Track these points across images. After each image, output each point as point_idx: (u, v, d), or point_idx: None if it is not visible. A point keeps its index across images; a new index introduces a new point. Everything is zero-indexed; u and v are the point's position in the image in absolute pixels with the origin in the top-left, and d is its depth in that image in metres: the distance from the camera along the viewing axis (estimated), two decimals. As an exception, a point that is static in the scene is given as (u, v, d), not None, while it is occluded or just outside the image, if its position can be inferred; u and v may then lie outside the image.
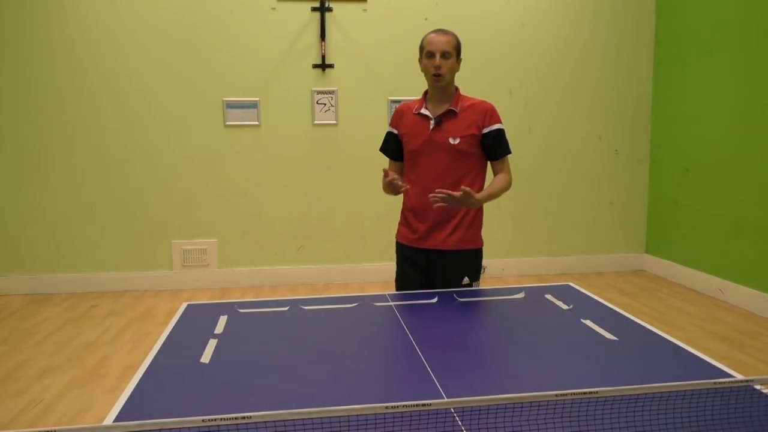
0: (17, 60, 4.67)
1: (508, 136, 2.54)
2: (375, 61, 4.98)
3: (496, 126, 2.45)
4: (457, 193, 2.21)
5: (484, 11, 5.04)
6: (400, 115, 2.55)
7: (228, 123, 4.91)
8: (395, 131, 2.55)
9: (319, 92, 4.95)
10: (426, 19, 4.96)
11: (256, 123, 4.93)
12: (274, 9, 4.85)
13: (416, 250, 2.49)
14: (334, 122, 5.00)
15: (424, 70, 2.44)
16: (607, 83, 5.26)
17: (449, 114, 2.43)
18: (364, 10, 4.93)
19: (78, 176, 4.82)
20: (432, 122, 2.43)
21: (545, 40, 5.14)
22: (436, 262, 2.46)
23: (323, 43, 4.87)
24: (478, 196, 2.33)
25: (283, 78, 4.91)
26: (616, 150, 5.34)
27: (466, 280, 2.46)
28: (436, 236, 2.44)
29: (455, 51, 2.41)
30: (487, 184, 2.49)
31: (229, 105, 4.89)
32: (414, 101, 2.55)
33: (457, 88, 2.50)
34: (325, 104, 4.96)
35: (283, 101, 4.93)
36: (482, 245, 2.55)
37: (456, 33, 2.46)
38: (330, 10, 4.87)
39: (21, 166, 4.77)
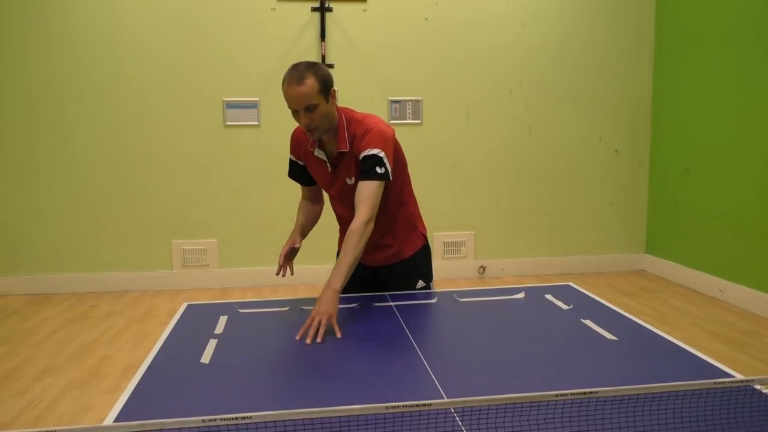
0: (17, 60, 4.68)
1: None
2: (375, 61, 4.98)
3: (365, 152, 2.08)
4: (317, 321, 1.85)
5: (484, 11, 5.04)
6: (297, 143, 2.30)
7: (228, 123, 4.91)
8: (299, 161, 2.32)
9: (319, 92, 4.94)
10: (426, 19, 4.96)
11: (256, 123, 4.93)
12: (274, 9, 4.85)
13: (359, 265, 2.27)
14: (334, 122, 5.00)
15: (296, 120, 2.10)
16: (607, 83, 5.26)
17: (341, 156, 2.15)
18: (364, 10, 4.93)
19: (78, 176, 4.82)
20: (329, 166, 2.20)
21: (545, 41, 5.14)
22: (381, 276, 2.38)
23: (323, 43, 4.87)
24: (334, 291, 1.92)
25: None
26: (616, 150, 5.34)
27: (420, 283, 2.37)
28: (371, 257, 2.29)
29: (321, 95, 2.01)
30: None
31: (229, 105, 4.89)
32: None
33: (341, 117, 2.14)
34: (325, 104, 4.96)
35: (282, 101, 4.89)
36: (422, 243, 2.38)
37: (316, 69, 2.02)
38: (330, 10, 4.87)
39: (21, 166, 4.77)
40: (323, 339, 1.84)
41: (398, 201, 2.31)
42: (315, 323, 1.85)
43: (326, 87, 2.05)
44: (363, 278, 2.34)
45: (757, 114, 4.18)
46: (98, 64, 4.75)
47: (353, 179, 2.15)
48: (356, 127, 2.14)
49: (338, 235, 2.46)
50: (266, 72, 4.89)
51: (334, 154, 2.16)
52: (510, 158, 5.18)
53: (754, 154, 4.22)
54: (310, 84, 2.00)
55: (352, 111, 2.21)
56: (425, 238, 2.43)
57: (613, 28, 5.21)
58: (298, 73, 2.02)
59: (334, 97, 2.10)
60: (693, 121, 4.81)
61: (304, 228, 2.42)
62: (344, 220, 2.29)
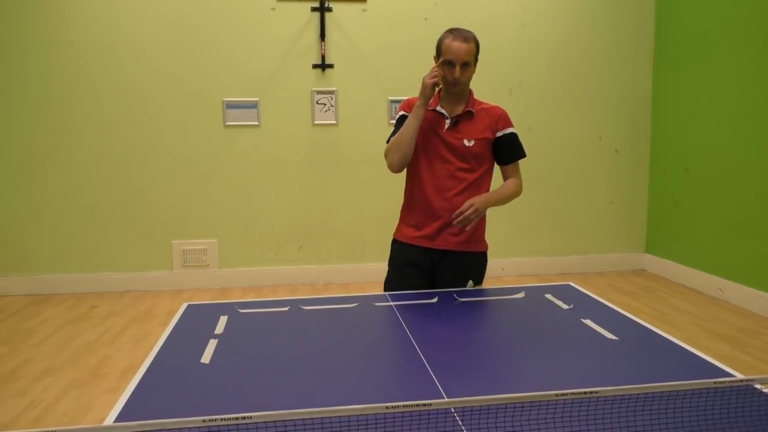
0: (16, 60, 4.67)
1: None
2: (375, 61, 4.98)
3: (509, 130, 2.45)
4: (473, 210, 2.23)
5: (484, 11, 5.04)
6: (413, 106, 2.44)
7: (228, 123, 4.91)
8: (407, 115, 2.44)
9: (319, 92, 4.95)
10: (426, 19, 4.96)
11: (256, 123, 4.93)
12: (273, 9, 4.85)
13: (420, 250, 2.41)
14: (334, 122, 5.00)
15: (442, 73, 2.35)
16: (607, 83, 5.26)
17: (466, 115, 2.39)
18: (364, 10, 4.93)
19: (78, 177, 4.82)
20: (448, 122, 2.38)
21: (545, 41, 5.14)
22: (441, 264, 2.41)
23: (323, 43, 4.87)
24: (486, 199, 2.32)
25: (283, 78, 4.91)
26: (616, 150, 5.34)
27: (470, 283, 2.41)
28: (444, 236, 2.38)
29: (474, 59, 2.36)
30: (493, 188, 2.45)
31: (229, 105, 4.89)
32: None
33: (471, 91, 2.46)
34: (325, 104, 4.96)
35: (283, 101, 4.93)
36: (487, 249, 2.51)
37: (475, 35, 2.37)
38: (330, 10, 4.87)
39: (21, 167, 4.77)
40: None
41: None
42: (470, 213, 2.21)
43: (478, 55, 2.39)
44: (418, 267, 2.43)
45: (757, 113, 4.18)
46: (97, 64, 4.75)
47: (473, 142, 2.38)
48: (483, 104, 2.47)
49: (401, 211, 2.54)
50: (266, 72, 4.89)
51: (458, 112, 2.39)
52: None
53: (754, 153, 4.21)
54: (473, 45, 2.35)
55: None
56: (486, 247, 2.53)
57: (613, 28, 5.21)
58: (465, 32, 2.35)
59: (476, 65, 2.41)
60: (693, 120, 4.81)
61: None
62: (433, 186, 2.38)
